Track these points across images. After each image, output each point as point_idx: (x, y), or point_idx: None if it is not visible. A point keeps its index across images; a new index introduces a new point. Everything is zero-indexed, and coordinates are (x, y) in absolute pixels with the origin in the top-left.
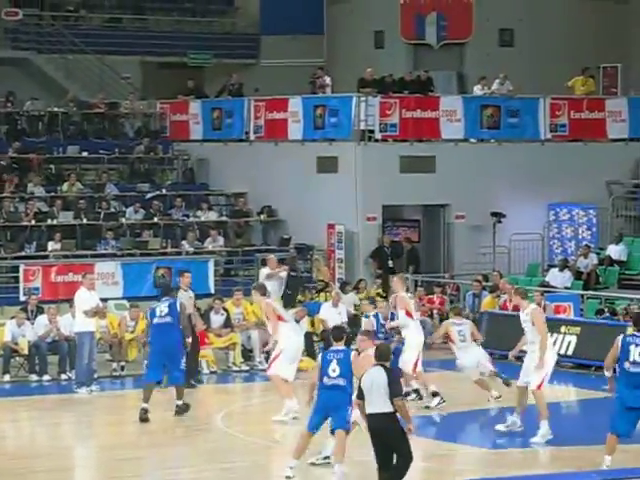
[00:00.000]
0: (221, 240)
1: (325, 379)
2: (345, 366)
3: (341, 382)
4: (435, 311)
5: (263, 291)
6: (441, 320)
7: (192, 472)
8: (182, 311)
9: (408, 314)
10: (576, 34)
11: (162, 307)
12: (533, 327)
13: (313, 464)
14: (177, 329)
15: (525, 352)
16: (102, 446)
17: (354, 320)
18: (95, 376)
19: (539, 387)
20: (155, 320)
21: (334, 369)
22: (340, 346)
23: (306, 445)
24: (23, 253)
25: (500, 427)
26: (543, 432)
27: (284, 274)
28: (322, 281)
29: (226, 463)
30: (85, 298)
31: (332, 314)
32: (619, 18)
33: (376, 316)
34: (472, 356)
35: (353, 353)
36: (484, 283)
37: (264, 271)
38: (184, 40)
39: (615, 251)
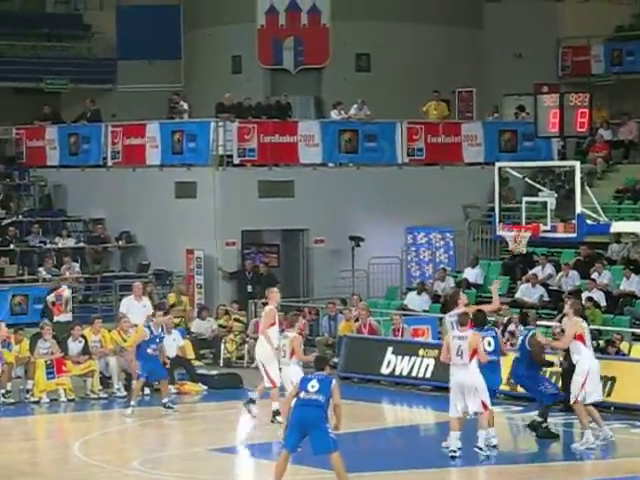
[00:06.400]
0: (76, 266)
1: (303, 394)
2: (325, 385)
3: (319, 398)
4: None
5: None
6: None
7: None
8: None
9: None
10: (432, 59)
11: None
12: None
13: None
14: None
15: None
16: None
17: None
18: None
19: None
20: None
21: (313, 385)
22: (324, 373)
23: (285, 465)
24: None
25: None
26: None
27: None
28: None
29: None
30: None
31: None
32: (474, 43)
33: None
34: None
35: None
36: (342, 307)
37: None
38: (40, 65)
39: (471, 274)
